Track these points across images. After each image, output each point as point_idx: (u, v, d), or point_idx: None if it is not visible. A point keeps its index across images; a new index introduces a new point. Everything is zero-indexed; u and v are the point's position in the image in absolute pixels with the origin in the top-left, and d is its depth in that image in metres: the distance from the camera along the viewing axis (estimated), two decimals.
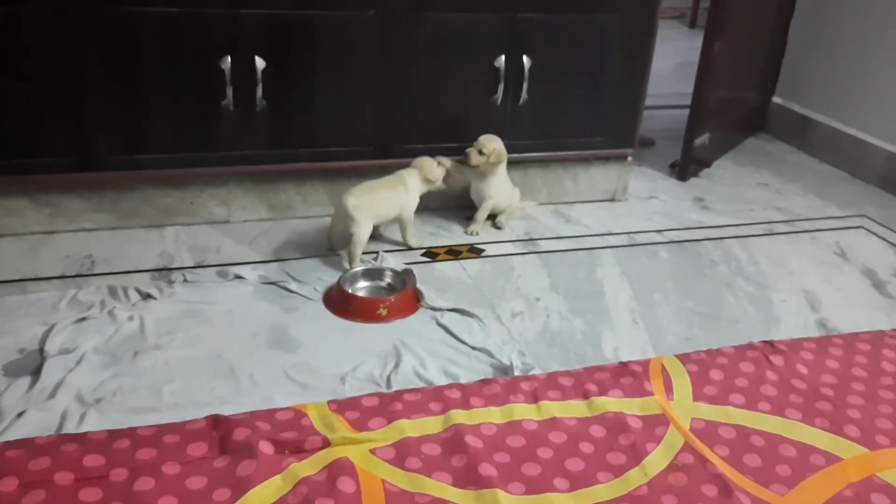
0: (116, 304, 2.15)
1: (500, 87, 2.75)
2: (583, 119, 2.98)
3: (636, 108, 3.01)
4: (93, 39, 2.33)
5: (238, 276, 2.33)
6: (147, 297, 2.20)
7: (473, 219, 2.75)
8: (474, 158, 2.61)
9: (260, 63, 2.47)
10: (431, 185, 2.58)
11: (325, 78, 2.58)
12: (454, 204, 2.83)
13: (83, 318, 2.07)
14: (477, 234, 2.72)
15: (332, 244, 2.50)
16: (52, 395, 1.80)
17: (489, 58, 2.73)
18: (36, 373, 1.87)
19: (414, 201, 2.55)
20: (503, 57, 2.73)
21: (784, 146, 3.82)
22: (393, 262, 2.48)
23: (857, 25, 3.47)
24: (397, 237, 2.66)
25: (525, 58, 2.75)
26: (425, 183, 2.56)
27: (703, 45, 3.17)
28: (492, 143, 2.64)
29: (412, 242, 2.56)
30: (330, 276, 2.36)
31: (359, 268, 2.36)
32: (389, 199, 2.47)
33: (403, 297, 2.23)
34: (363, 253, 2.45)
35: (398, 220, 2.53)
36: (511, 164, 2.86)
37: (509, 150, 2.88)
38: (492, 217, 2.82)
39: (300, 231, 2.68)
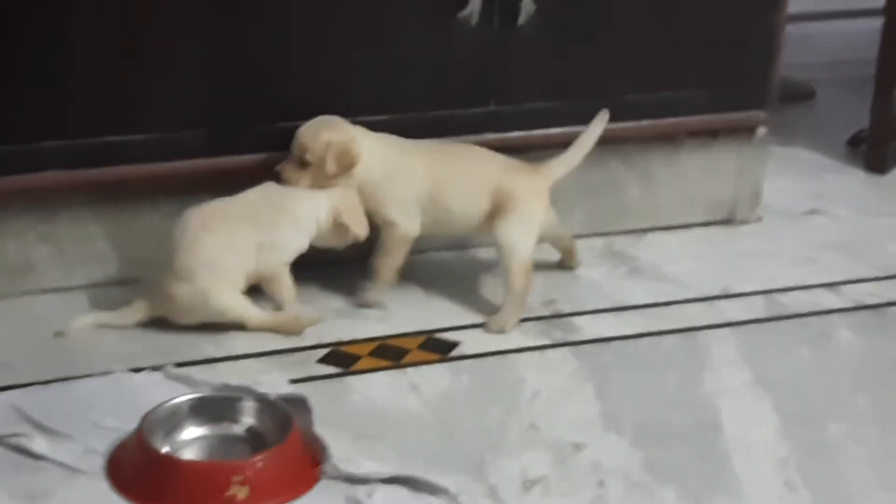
0: None
1: None
2: (654, 54, 3.02)
3: (770, 26, 3.06)
4: None
5: None
6: None
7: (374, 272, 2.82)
8: (289, 175, 2.69)
9: None
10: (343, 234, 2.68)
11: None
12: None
13: None
14: (376, 304, 2.79)
15: None
16: None
17: None
18: None
19: (295, 244, 2.66)
20: None
21: None
22: (262, 375, 2.46)
23: None
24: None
25: None
26: (336, 222, 2.67)
27: None
28: (320, 135, 2.67)
29: (293, 321, 2.70)
30: (121, 416, 2.32)
31: (183, 398, 2.34)
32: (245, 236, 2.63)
33: (283, 456, 2.21)
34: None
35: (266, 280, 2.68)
36: (507, 153, 2.86)
37: (502, 123, 2.89)
38: None
39: (53, 318, 2.67)
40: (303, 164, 2.66)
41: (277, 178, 2.67)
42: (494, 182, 2.75)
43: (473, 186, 2.76)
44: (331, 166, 2.65)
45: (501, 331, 2.72)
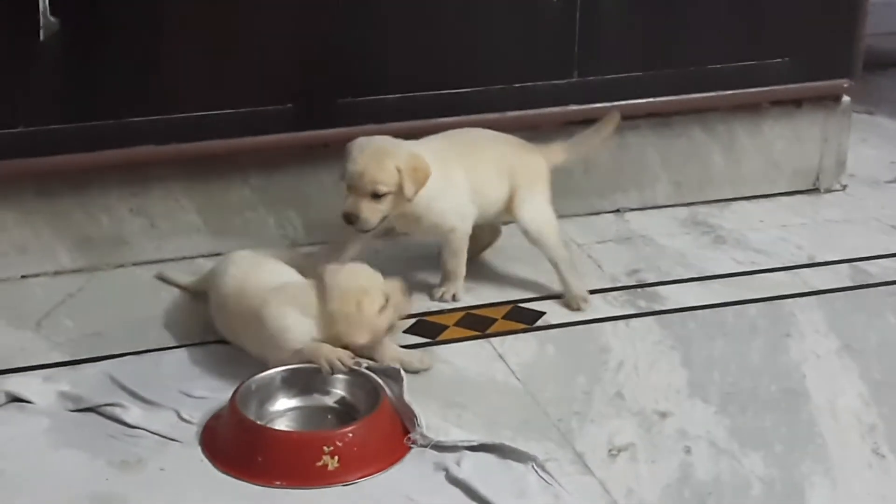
0: None
1: None
2: (737, 24, 3.02)
3: None
4: None
5: (16, 400, 2.33)
6: None
7: (442, 274, 2.76)
8: (367, 214, 2.52)
9: None
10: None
11: None
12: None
13: None
14: (454, 298, 2.74)
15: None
16: None
17: None
18: None
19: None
20: None
21: None
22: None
23: None
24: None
25: None
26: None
27: None
28: (386, 163, 2.52)
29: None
30: (213, 387, 2.36)
31: (275, 370, 2.34)
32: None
33: (373, 427, 2.22)
34: None
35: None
36: (590, 124, 2.85)
37: (585, 95, 2.90)
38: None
39: (146, 290, 2.71)
40: (376, 197, 2.52)
41: (349, 221, 2.53)
42: (509, 162, 2.70)
43: (496, 170, 2.71)
44: (410, 189, 2.53)
45: (586, 303, 2.70)
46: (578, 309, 2.69)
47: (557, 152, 2.76)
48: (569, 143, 2.79)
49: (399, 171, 2.50)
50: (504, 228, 2.92)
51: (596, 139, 2.79)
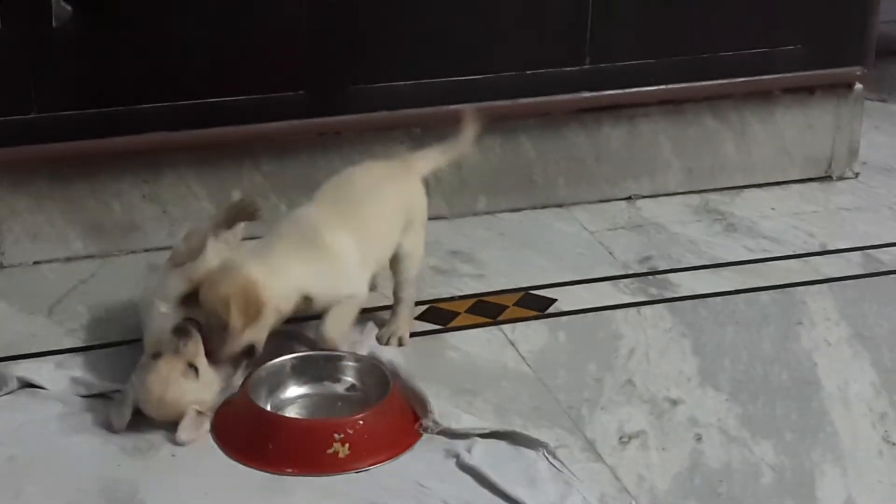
0: None
1: None
2: (749, 10, 3.02)
3: None
4: None
5: (28, 385, 2.34)
6: None
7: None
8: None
9: None
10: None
11: None
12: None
13: None
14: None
15: None
16: None
17: None
18: None
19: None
20: None
21: None
22: (359, 334, 2.48)
23: None
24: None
25: None
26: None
27: None
28: (217, 288, 2.24)
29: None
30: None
31: (285, 357, 2.36)
32: None
33: (383, 414, 2.22)
34: None
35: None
36: (602, 111, 2.90)
37: (597, 82, 2.91)
38: None
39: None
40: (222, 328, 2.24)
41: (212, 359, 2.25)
42: (403, 200, 2.50)
43: (388, 215, 2.48)
44: (236, 323, 2.22)
45: (399, 343, 2.50)
46: (387, 344, 2.49)
47: (426, 162, 2.57)
48: (438, 149, 2.58)
49: (227, 301, 2.21)
50: (513, 216, 2.91)
51: (465, 143, 2.58)
